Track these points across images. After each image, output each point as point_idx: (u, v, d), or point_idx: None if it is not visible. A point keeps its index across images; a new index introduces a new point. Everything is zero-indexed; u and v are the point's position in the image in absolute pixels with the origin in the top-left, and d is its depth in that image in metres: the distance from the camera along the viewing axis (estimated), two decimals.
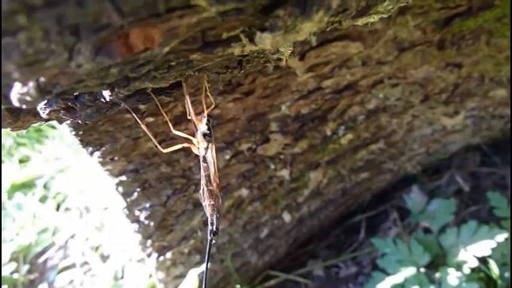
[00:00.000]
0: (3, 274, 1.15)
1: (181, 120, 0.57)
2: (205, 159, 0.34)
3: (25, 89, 0.20)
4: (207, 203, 0.34)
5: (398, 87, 0.73)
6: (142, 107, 0.49)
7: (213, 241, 0.32)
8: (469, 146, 1.02)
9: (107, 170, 0.57)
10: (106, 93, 0.27)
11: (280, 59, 0.34)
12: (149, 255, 0.75)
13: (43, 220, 1.33)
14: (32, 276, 1.19)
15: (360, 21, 0.32)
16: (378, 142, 0.82)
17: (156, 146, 0.34)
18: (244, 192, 0.74)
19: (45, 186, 1.46)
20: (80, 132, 0.48)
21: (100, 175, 0.59)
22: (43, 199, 1.41)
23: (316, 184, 0.83)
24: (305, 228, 0.91)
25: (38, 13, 0.19)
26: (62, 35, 0.20)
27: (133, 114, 0.31)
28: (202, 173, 0.34)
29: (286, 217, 0.85)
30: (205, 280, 0.29)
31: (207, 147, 0.34)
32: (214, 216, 0.33)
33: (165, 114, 0.32)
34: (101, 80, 0.22)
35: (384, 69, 0.69)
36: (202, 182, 0.34)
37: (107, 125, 0.49)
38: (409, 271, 0.84)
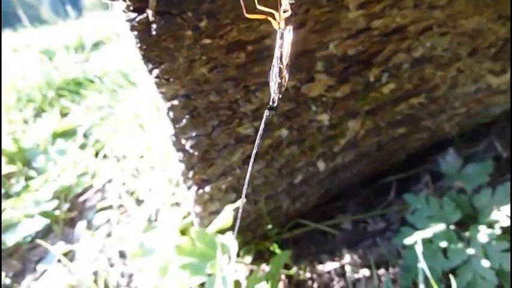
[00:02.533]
0: (47, 209, 1.22)
1: (235, 47, 0.59)
2: (282, 36, 0.36)
3: None
4: (274, 81, 0.36)
5: (446, 36, 0.73)
6: (202, 24, 0.51)
7: (268, 116, 0.34)
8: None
9: (161, 92, 0.61)
10: None
11: None
12: (189, 187, 0.79)
13: (82, 165, 1.40)
14: (72, 214, 1.27)
15: None
16: (419, 96, 0.82)
17: (242, 8, 0.36)
18: (284, 132, 0.76)
19: (84, 135, 1.54)
20: (144, 47, 0.51)
21: (154, 99, 0.62)
22: (83, 146, 1.48)
23: (354, 134, 0.84)
24: (337, 179, 0.93)
25: None
26: None
27: None
28: (277, 49, 0.36)
29: (321, 165, 0.87)
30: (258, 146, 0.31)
31: (286, 23, 0.36)
32: (277, 96, 0.35)
33: None
34: None
35: (435, 14, 0.68)
36: (274, 59, 0.36)
37: (169, 41, 0.52)
38: (438, 227, 0.85)
